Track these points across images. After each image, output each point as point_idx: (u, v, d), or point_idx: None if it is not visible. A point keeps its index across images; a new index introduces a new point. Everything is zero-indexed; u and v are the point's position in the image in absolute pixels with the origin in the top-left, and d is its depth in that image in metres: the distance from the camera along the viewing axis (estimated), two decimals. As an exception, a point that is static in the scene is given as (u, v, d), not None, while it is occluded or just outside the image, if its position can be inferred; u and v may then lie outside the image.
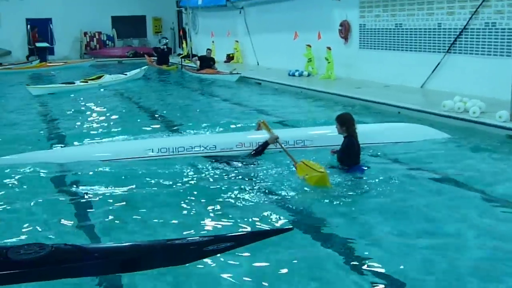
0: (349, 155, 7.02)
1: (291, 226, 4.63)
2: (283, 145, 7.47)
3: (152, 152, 8.02)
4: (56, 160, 7.83)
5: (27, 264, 3.66)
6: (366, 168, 7.17)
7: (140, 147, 8.26)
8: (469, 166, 7.44)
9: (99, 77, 17.84)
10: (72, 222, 5.74)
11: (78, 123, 11.50)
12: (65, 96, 15.59)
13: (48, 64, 25.07)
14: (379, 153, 8.08)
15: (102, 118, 12.09)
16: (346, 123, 7.00)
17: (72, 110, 13.30)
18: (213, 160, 7.84)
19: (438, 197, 6.27)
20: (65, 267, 3.80)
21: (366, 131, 7.84)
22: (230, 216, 5.72)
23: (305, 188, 6.47)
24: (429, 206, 5.95)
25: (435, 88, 13.13)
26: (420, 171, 7.24)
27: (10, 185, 6.94)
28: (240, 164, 7.61)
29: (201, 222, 5.60)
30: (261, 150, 7.91)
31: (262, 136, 8.07)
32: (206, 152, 8.10)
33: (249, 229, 5.34)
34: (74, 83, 17.00)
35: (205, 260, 4.39)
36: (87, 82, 17.31)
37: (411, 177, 7.01)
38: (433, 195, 6.35)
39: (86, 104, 14.18)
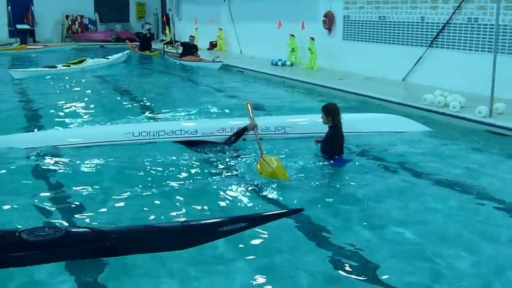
0: (332, 145, 7.08)
1: (301, 207, 4.68)
2: (258, 136, 7.47)
3: (133, 136, 7.99)
4: (32, 144, 7.75)
5: (44, 245, 3.68)
6: (349, 159, 7.22)
7: (120, 131, 8.25)
8: (447, 160, 7.50)
9: (81, 61, 17.68)
10: (52, 208, 5.70)
11: (58, 107, 11.36)
12: (47, 80, 15.40)
13: (27, 46, 24.76)
14: (361, 144, 8.13)
15: (83, 102, 11.98)
16: (331, 113, 7.05)
17: (53, 94, 13.18)
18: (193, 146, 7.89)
19: (414, 189, 6.37)
20: (81, 249, 3.83)
21: (347, 120, 7.91)
22: (205, 206, 5.74)
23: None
24: (404, 196, 6.10)
25: (417, 81, 13.22)
26: (399, 163, 7.28)
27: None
28: (214, 151, 7.64)
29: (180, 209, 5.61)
30: (239, 134, 7.98)
31: (242, 122, 8.10)
32: (187, 137, 8.09)
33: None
34: (56, 67, 16.81)
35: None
36: (69, 66, 17.15)
37: (390, 168, 7.08)
38: (410, 186, 6.44)
39: (67, 88, 14.08)
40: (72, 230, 3.97)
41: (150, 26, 26.15)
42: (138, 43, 24.11)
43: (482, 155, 7.84)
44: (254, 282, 4.20)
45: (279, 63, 17.49)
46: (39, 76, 15.69)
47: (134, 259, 4.23)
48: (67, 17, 29.96)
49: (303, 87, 14.04)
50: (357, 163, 7.16)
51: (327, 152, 7.11)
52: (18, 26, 26.62)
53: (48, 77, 15.74)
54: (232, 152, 7.64)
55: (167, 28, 26.52)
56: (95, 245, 3.84)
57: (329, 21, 16.42)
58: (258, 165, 6.64)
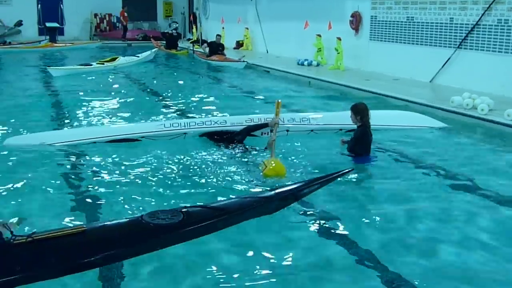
0: (361, 144, 7.14)
1: (352, 168, 5.21)
2: (275, 136, 7.40)
3: (164, 127, 8.16)
4: (67, 140, 7.94)
5: (169, 228, 3.98)
6: (375, 158, 7.29)
7: (152, 124, 8.56)
8: (469, 160, 7.51)
9: (114, 59, 17.98)
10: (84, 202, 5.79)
11: (92, 104, 11.56)
12: (82, 77, 15.68)
13: (55, 44, 25.12)
14: (382, 140, 8.24)
15: (115, 100, 12.19)
16: (360, 113, 7.12)
17: (88, 91, 13.37)
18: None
19: (439, 190, 6.36)
20: (202, 226, 4.14)
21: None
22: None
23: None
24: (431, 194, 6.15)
25: (445, 83, 13.07)
26: (426, 164, 7.30)
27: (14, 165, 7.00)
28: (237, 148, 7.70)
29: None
30: (259, 126, 8.07)
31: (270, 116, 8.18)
32: (216, 127, 8.24)
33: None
34: (91, 64, 17.17)
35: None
36: (103, 64, 17.47)
37: (416, 169, 7.12)
38: (437, 187, 6.46)
39: (101, 86, 14.35)
40: (189, 210, 4.21)
41: (177, 25, 26.32)
42: (163, 42, 24.27)
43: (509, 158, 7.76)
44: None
45: (305, 63, 17.45)
46: (76, 74, 15.99)
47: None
48: (95, 15, 30.28)
49: (329, 88, 13.99)
50: (382, 161, 7.27)
51: (355, 151, 7.16)
52: (48, 24, 26.96)
53: (83, 75, 16.02)
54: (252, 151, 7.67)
55: (194, 27, 26.63)
56: (212, 221, 4.17)
57: (356, 21, 16.33)
58: (261, 165, 6.72)
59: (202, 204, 4.61)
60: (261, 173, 6.54)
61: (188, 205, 4.39)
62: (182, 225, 4.01)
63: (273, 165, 6.55)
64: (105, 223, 4.26)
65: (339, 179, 5.30)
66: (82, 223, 3.92)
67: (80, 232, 3.84)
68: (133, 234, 4.01)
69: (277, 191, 4.77)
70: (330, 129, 8.48)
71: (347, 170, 5.10)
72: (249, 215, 4.46)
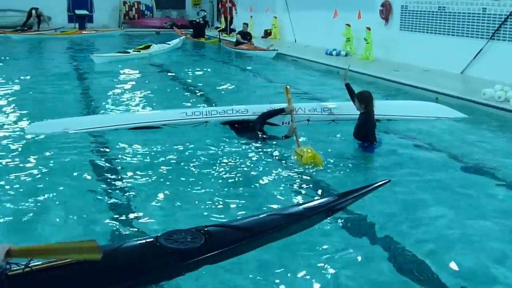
0: (365, 131, 7.29)
1: (389, 179, 4.72)
2: (295, 124, 7.50)
3: (186, 115, 8.11)
4: (94, 126, 7.96)
5: (189, 254, 3.49)
6: (379, 144, 7.42)
7: (175, 112, 8.42)
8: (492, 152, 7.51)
9: (148, 47, 18.32)
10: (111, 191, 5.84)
11: (118, 92, 11.71)
12: (122, 63, 15.95)
13: (81, 31, 25.41)
14: (398, 130, 8.42)
15: (139, 87, 12.29)
16: (364, 100, 7.29)
17: (118, 78, 13.62)
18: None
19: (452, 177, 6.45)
20: (226, 251, 3.65)
21: (385, 105, 8.13)
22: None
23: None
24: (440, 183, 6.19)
25: (476, 75, 12.86)
26: (438, 150, 7.50)
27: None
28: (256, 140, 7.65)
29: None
30: (276, 112, 7.98)
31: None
32: (238, 116, 8.18)
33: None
34: (129, 52, 17.59)
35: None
36: (139, 51, 17.81)
37: (426, 157, 7.25)
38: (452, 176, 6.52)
39: (129, 73, 14.60)
40: (210, 231, 3.69)
41: (205, 13, 26.28)
42: (190, 30, 24.33)
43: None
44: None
45: (334, 53, 17.32)
46: (115, 61, 16.27)
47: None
48: (124, 3, 30.42)
49: (358, 78, 13.84)
50: (389, 149, 7.40)
51: (359, 137, 7.34)
52: (77, 12, 27.17)
53: (121, 62, 16.29)
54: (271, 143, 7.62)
55: (222, 15, 26.60)
56: (237, 244, 3.70)
57: (386, 11, 16.14)
58: (295, 155, 6.76)
59: (225, 223, 4.15)
60: (297, 163, 6.57)
61: (210, 224, 3.86)
62: (204, 250, 3.53)
63: (309, 152, 6.59)
64: (115, 247, 3.73)
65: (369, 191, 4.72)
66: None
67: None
68: (147, 261, 3.49)
69: (306, 206, 4.30)
70: (352, 119, 8.37)
71: (383, 182, 4.56)
72: (278, 236, 4.00)
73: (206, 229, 3.69)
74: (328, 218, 4.64)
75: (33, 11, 25.59)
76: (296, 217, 4.06)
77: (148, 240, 3.66)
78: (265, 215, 4.17)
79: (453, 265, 4.33)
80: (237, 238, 3.71)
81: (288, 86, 8.15)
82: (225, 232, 3.77)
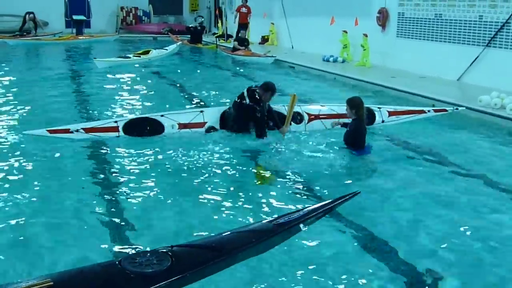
0: (355, 138, 7.34)
1: (358, 191, 4.75)
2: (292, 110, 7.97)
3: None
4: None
5: (155, 278, 3.24)
6: (369, 149, 7.49)
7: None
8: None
9: (147, 52, 18.39)
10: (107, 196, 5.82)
11: (116, 97, 11.74)
12: (121, 68, 16.01)
13: (77, 37, 25.39)
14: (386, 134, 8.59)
15: (137, 92, 12.42)
16: (355, 106, 7.33)
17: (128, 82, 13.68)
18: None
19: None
20: (194, 273, 3.43)
21: None
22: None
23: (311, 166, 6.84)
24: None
25: (472, 82, 12.88)
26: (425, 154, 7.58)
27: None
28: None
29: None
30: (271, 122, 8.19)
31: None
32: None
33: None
34: (129, 57, 17.59)
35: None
36: (139, 56, 17.85)
37: (415, 163, 7.32)
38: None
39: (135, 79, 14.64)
40: (177, 252, 3.49)
41: (203, 19, 26.29)
42: (187, 36, 24.35)
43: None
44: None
45: (331, 59, 17.33)
46: (117, 66, 16.29)
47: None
48: (122, 8, 30.42)
49: (355, 84, 13.86)
50: (378, 153, 7.50)
51: (350, 144, 7.39)
52: (75, 17, 27.14)
53: (122, 67, 16.31)
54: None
55: (219, 21, 26.62)
56: (206, 265, 3.49)
57: (383, 17, 16.17)
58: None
59: (192, 242, 3.89)
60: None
61: (176, 244, 3.64)
62: (170, 273, 3.29)
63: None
64: (74, 273, 3.41)
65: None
66: (48, 276, 3.13)
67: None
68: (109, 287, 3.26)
69: (276, 222, 4.06)
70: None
71: (353, 194, 4.57)
72: (249, 254, 3.80)
73: (172, 249, 3.52)
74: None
75: (27, 16, 25.52)
76: (266, 233, 3.89)
77: (111, 263, 3.46)
78: (233, 232, 4.00)
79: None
80: (206, 259, 3.51)
81: (294, 95, 8.16)
82: (193, 252, 3.57)
